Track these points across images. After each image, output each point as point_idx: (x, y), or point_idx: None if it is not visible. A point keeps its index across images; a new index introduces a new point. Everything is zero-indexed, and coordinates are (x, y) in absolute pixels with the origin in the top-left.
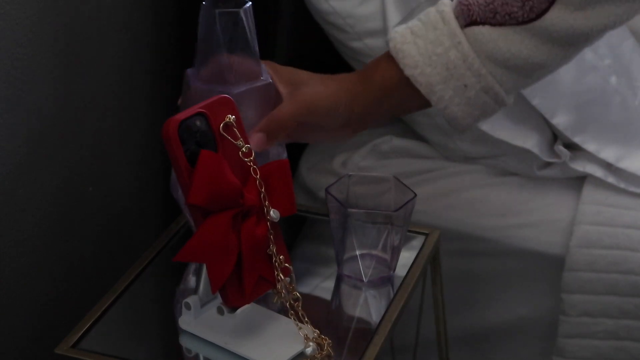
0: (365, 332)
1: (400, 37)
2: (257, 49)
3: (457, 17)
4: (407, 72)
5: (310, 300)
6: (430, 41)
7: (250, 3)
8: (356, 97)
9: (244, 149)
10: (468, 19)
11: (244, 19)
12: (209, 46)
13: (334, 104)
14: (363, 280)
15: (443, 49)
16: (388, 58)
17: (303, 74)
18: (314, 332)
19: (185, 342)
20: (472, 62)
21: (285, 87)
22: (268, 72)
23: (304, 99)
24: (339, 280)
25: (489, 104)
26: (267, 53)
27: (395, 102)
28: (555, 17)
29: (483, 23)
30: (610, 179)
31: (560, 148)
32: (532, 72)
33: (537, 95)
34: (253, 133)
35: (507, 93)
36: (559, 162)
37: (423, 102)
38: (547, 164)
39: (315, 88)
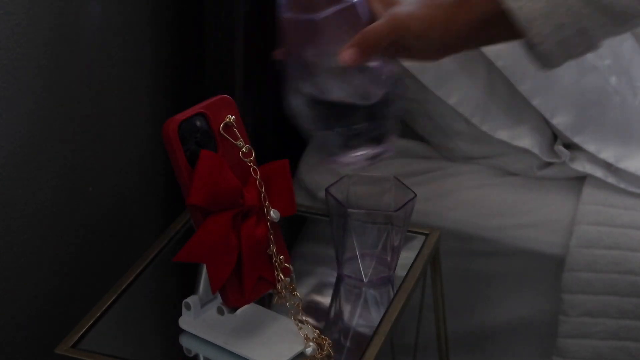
0: (365, 332)
1: None
2: None
3: None
4: (506, 4)
5: (310, 300)
6: None
7: None
8: (451, 25)
9: (244, 149)
10: None
11: None
12: None
13: (427, 28)
14: (363, 281)
15: None
16: None
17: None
18: (314, 332)
19: (185, 342)
20: (574, 3)
21: (381, 5)
22: None
23: (398, 18)
24: (339, 280)
25: (581, 46)
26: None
27: (490, 32)
28: None
29: None
30: (610, 179)
31: (560, 148)
32: (627, 21)
33: (537, 95)
34: (346, 48)
35: (600, 39)
36: (559, 162)
37: (518, 35)
38: (547, 164)
39: (410, 8)
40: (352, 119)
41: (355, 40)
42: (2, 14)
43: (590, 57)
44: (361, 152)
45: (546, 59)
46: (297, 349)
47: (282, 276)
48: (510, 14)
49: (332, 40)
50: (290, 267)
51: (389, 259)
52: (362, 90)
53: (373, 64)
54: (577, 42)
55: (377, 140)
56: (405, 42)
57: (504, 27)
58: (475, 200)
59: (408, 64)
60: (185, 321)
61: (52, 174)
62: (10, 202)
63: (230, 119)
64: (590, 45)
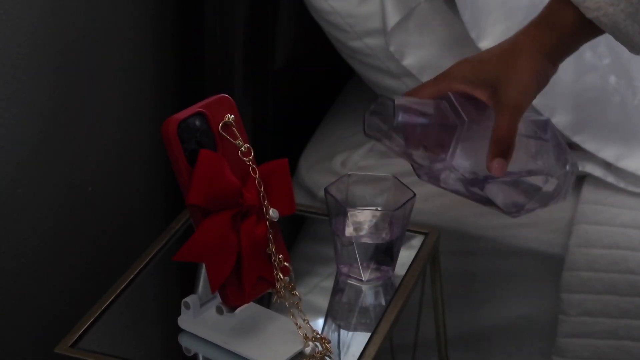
0: (365, 331)
1: None
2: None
3: None
4: (590, 15)
5: (309, 300)
6: None
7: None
8: (550, 49)
9: (243, 148)
10: None
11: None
12: None
13: (535, 79)
14: (362, 280)
15: None
16: (561, 4)
17: (487, 68)
18: (313, 331)
19: (184, 341)
20: None
21: (483, 92)
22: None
23: (510, 102)
24: (338, 279)
25: None
26: (267, 53)
27: (577, 41)
28: None
29: None
30: (610, 179)
31: None
32: None
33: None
34: (489, 162)
35: None
36: None
37: (601, 36)
38: None
39: (510, 84)
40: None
41: (494, 150)
42: (2, 14)
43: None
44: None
45: (636, 46)
46: (296, 348)
47: (281, 275)
48: (596, 24)
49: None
50: (290, 266)
51: (388, 258)
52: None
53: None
54: None
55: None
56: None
57: (590, 35)
58: None
59: (408, 62)
60: (185, 320)
61: (53, 174)
62: (10, 202)
63: (229, 119)
64: None
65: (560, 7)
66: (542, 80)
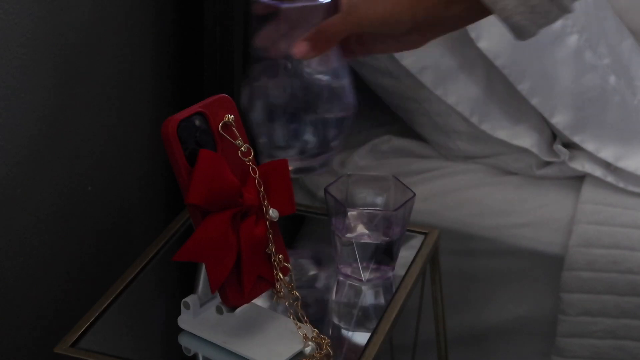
0: (364, 331)
1: None
2: None
3: None
4: None
5: (309, 300)
6: None
7: None
8: (417, 3)
9: (243, 148)
10: None
11: None
12: None
13: (391, 12)
14: (362, 280)
15: None
16: None
17: None
18: (313, 331)
19: (184, 341)
20: None
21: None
22: None
23: (355, 10)
24: (338, 279)
25: (552, 12)
26: None
27: (459, 10)
28: None
29: None
30: (610, 179)
31: (559, 147)
32: None
33: (537, 94)
34: (300, 40)
35: (572, 0)
36: (558, 162)
37: (486, 13)
38: (546, 164)
39: (367, 1)
40: (299, 125)
41: (309, 34)
42: (2, 13)
43: (589, 56)
44: (292, 159)
45: (519, 31)
46: (296, 348)
47: (281, 275)
48: None
49: (293, 34)
50: (289, 266)
51: (388, 257)
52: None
53: (323, 77)
54: (548, 8)
55: (313, 154)
56: (368, 30)
57: (471, 3)
58: (474, 200)
59: (407, 62)
60: (184, 320)
61: (52, 174)
62: (11, 202)
63: (229, 119)
64: (563, 8)
65: None
66: (394, 20)
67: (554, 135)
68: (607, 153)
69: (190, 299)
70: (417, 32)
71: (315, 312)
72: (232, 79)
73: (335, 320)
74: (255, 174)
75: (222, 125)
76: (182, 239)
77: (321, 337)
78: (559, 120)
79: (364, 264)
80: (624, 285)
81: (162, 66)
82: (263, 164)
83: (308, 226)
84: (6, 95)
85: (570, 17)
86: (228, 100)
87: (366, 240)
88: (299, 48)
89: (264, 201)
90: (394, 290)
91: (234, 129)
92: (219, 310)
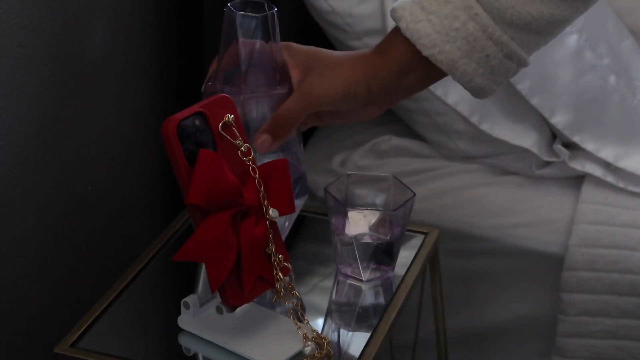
0: (364, 331)
1: (410, 16)
2: (279, 55)
3: None
4: (426, 52)
5: (309, 300)
6: (444, 16)
7: (276, 9)
8: (372, 76)
9: (242, 148)
10: None
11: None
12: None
13: (345, 90)
14: (362, 280)
15: (460, 22)
16: (401, 36)
17: (316, 58)
18: (313, 331)
19: (184, 341)
20: (493, 32)
21: (297, 74)
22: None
23: (310, 92)
24: (338, 279)
25: (512, 68)
26: None
27: (415, 78)
28: None
29: None
30: (609, 178)
31: (559, 147)
32: (554, 29)
33: (536, 94)
34: (258, 134)
35: (529, 54)
36: (558, 162)
37: (444, 76)
38: (546, 163)
39: (322, 78)
40: None
41: (267, 124)
42: (2, 13)
43: (589, 56)
44: None
45: (480, 91)
46: (296, 348)
47: (281, 275)
48: (432, 60)
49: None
50: (289, 266)
51: (388, 257)
52: None
53: (272, 155)
54: (507, 65)
55: None
56: (325, 109)
57: (428, 72)
58: (474, 200)
59: None
60: (184, 320)
61: (52, 174)
62: (10, 202)
63: (229, 118)
64: (522, 62)
65: (395, 39)
66: (349, 97)
67: (553, 135)
68: (607, 153)
69: (190, 299)
70: (373, 103)
71: (315, 311)
72: None
73: (335, 320)
74: (255, 174)
75: (222, 125)
76: (182, 239)
77: (321, 337)
78: (559, 120)
79: (364, 264)
80: (624, 285)
81: (162, 66)
82: (263, 164)
83: (308, 226)
84: (6, 95)
85: None
86: (228, 100)
87: (366, 240)
88: (262, 144)
89: (264, 201)
90: (394, 290)
91: (234, 128)
92: (219, 310)
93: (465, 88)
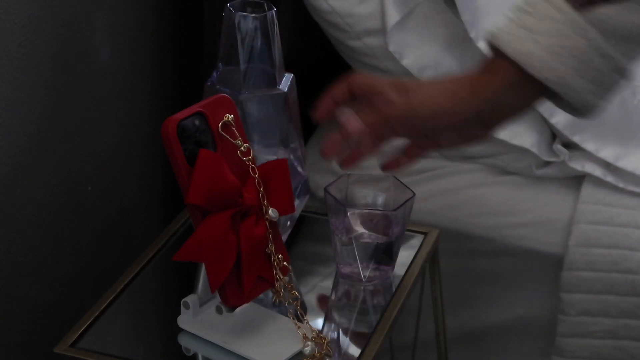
0: (364, 331)
1: (515, 39)
2: (278, 56)
3: (569, 1)
4: (536, 72)
5: (309, 300)
6: (551, 35)
7: (275, 9)
8: (478, 94)
9: (242, 148)
10: (582, 0)
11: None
12: (230, 50)
13: (449, 102)
14: (362, 280)
15: (568, 40)
16: (505, 59)
17: (410, 80)
18: (313, 331)
19: (184, 341)
20: (601, 46)
21: (394, 91)
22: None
23: (414, 95)
24: (337, 279)
25: (618, 82)
26: None
27: (522, 97)
28: None
29: (597, 1)
30: (609, 178)
31: (559, 147)
32: None
33: None
34: (349, 113)
35: (632, 66)
36: (558, 162)
37: (547, 95)
38: (546, 163)
39: (426, 90)
40: None
41: (370, 118)
42: (2, 13)
43: None
44: None
45: (588, 109)
46: (296, 348)
47: (280, 275)
48: (544, 82)
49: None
50: (289, 266)
51: (388, 257)
52: None
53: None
54: (615, 79)
55: None
56: (420, 121)
57: (533, 89)
58: (474, 199)
59: (407, 62)
60: (184, 320)
61: (52, 174)
62: (10, 202)
63: (229, 118)
64: (626, 75)
65: (498, 60)
66: (453, 112)
67: (553, 135)
68: (606, 153)
69: (190, 299)
70: (480, 123)
71: (315, 311)
72: None
73: (335, 320)
74: (255, 173)
75: (221, 125)
76: (182, 239)
77: (321, 337)
78: (559, 120)
79: (364, 264)
80: (623, 285)
81: (162, 66)
82: (263, 164)
83: (308, 226)
84: (5, 96)
85: None
86: (228, 100)
87: (366, 240)
88: (352, 124)
89: (264, 201)
90: (393, 290)
91: (234, 128)
92: (219, 310)
93: (572, 107)
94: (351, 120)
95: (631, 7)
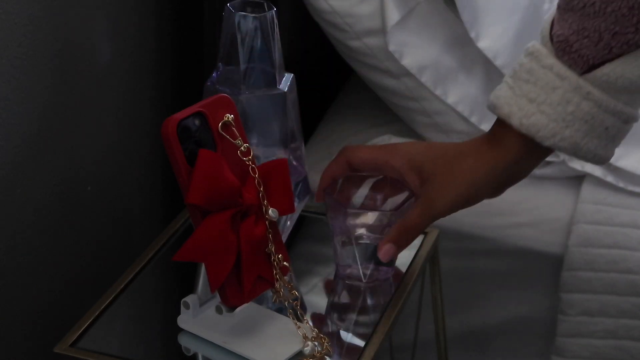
0: (364, 331)
1: (520, 111)
2: (278, 56)
3: (570, 67)
4: (547, 143)
5: (308, 299)
6: (557, 103)
7: (275, 9)
8: (491, 174)
9: (242, 148)
10: (584, 65)
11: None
12: (230, 50)
13: (468, 194)
14: (362, 280)
15: (574, 105)
16: (512, 129)
17: (428, 157)
18: (313, 331)
19: (184, 341)
20: (608, 104)
21: (414, 179)
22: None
23: (433, 205)
24: (337, 279)
25: (628, 130)
26: None
27: (531, 164)
28: None
29: (601, 63)
30: (609, 178)
31: None
32: None
33: None
34: (383, 242)
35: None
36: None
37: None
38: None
39: (444, 187)
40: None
41: (393, 234)
42: (2, 13)
43: None
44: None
45: (601, 160)
46: (296, 348)
47: (280, 275)
48: (555, 148)
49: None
50: (289, 266)
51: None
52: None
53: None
54: (626, 129)
55: None
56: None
57: (542, 154)
58: None
59: (407, 62)
60: (184, 320)
61: (52, 174)
62: (10, 201)
63: (228, 118)
64: (635, 121)
65: (505, 130)
66: (472, 199)
67: None
68: None
69: (190, 299)
70: (492, 191)
71: (315, 311)
72: None
73: (335, 320)
74: (255, 173)
75: (221, 125)
76: (182, 239)
77: (321, 337)
78: None
79: (364, 264)
80: (623, 285)
81: (162, 66)
82: (263, 164)
83: (308, 226)
84: (5, 95)
85: None
86: (227, 100)
87: (366, 240)
88: (386, 252)
89: (264, 201)
90: (393, 290)
91: (234, 128)
92: (219, 310)
93: (587, 161)
94: (386, 252)
95: (630, 61)
